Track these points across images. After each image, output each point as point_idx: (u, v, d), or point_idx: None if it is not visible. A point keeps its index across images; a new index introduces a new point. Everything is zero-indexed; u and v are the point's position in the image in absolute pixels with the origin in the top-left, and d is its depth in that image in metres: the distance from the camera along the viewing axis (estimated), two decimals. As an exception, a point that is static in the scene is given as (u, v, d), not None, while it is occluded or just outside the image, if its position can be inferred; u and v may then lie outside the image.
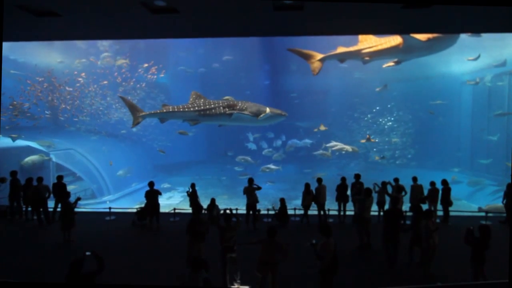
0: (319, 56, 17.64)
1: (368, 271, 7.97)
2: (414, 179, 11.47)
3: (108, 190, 23.93)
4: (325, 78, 33.45)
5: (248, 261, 6.71)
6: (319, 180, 11.55)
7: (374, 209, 10.94)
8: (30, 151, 20.31)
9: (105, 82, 28.47)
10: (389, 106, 32.14)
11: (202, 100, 16.92)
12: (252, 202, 11.07)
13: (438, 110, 28.64)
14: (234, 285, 6.93)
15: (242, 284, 6.94)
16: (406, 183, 11.36)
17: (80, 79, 26.86)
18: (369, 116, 32.72)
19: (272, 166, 25.06)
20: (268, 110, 16.20)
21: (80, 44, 27.83)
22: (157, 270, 7.94)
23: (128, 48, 30.15)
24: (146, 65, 29.69)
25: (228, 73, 32.99)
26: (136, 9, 7.36)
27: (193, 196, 11.46)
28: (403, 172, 20.49)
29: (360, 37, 17.08)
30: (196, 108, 16.62)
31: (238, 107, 16.20)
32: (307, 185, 11.48)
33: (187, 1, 7.21)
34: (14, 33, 9.38)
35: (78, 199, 10.04)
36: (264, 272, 6.27)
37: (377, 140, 27.33)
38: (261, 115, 16.12)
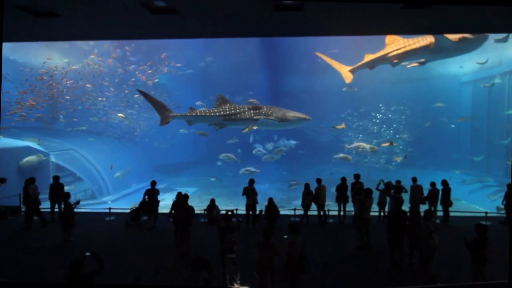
0: (348, 68, 17.70)
1: (368, 271, 7.96)
2: (414, 179, 11.46)
3: (108, 191, 23.93)
4: (325, 78, 33.54)
5: (248, 262, 6.71)
6: (319, 181, 11.55)
7: (374, 209, 10.97)
8: (30, 151, 20.27)
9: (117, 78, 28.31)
10: (380, 105, 32.02)
11: (227, 104, 16.99)
12: (251, 203, 11.06)
13: (437, 111, 28.67)
14: (233, 286, 6.92)
15: (241, 284, 6.94)
16: (406, 183, 11.36)
17: (88, 85, 26.65)
18: (356, 113, 32.59)
19: (252, 169, 24.87)
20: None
21: (81, 44, 27.78)
22: (157, 270, 7.94)
23: (128, 46, 30.06)
24: (163, 56, 29.34)
25: (227, 73, 33.03)
26: (136, 9, 7.35)
27: (179, 208, 9.28)
28: (402, 172, 20.50)
29: (387, 39, 16.95)
30: (222, 112, 16.69)
31: (264, 112, 16.23)
32: (306, 186, 11.47)
33: (187, 2, 7.20)
34: (14, 34, 9.38)
35: (78, 202, 10.18)
36: (262, 273, 6.27)
37: (396, 145, 26.44)
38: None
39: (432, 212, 8.37)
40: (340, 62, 31.39)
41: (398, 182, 11.08)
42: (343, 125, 25.49)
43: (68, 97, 26.14)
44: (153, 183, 11.36)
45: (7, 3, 6.70)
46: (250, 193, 11.01)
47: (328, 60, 18.23)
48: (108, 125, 30.18)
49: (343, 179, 11.67)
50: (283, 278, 6.21)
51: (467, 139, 28.77)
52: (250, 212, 11.14)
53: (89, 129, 28.56)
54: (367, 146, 24.16)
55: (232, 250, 6.93)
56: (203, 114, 17.01)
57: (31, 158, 19.67)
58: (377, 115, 31.88)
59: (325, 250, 9.12)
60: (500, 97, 24.62)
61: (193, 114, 17.07)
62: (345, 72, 17.89)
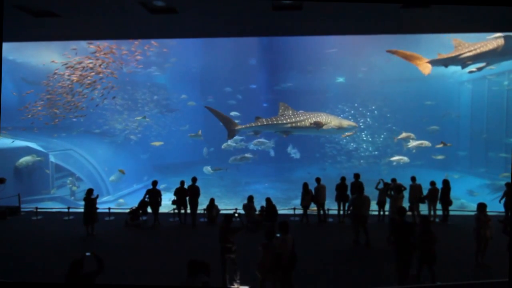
0: (426, 59, 17.55)
1: (368, 270, 7.96)
2: (413, 178, 11.46)
3: (108, 191, 23.87)
4: (325, 78, 33.53)
5: (248, 262, 6.72)
6: (318, 180, 11.55)
7: (374, 209, 10.97)
8: (28, 151, 20.23)
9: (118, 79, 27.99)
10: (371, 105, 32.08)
11: (290, 111, 17.37)
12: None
13: (437, 111, 28.65)
14: (233, 285, 6.92)
15: (241, 284, 6.94)
16: (405, 183, 11.36)
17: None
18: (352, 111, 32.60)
19: (209, 168, 24.67)
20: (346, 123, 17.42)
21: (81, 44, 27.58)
22: (157, 270, 7.94)
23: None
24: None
25: (225, 72, 33.11)
26: (135, 9, 7.37)
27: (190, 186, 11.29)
28: (403, 172, 20.49)
29: (454, 42, 16.86)
30: (288, 120, 17.08)
31: (324, 120, 16.98)
32: (305, 185, 11.48)
33: (186, 1, 7.21)
34: (13, 34, 9.38)
35: (97, 196, 10.76)
36: (264, 274, 6.27)
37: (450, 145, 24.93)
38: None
39: (483, 205, 7.96)
40: (338, 62, 31.08)
41: (394, 180, 11.09)
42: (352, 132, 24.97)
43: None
44: (154, 183, 11.37)
45: (7, 3, 6.69)
46: (249, 210, 10.97)
47: (402, 54, 17.85)
48: (108, 125, 30.11)
49: (343, 179, 11.68)
50: (273, 276, 6.20)
51: (466, 139, 28.78)
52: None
53: (88, 129, 28.46)
54: (428, 143, 21.99)
55: (232, 250, 6.94)
56: (269, 123, 17.26)
57: (27, 159, 19.63)
58: (383, 114, 31.82)
59: (324, 249, 9.14)
60: (499, 96, 24.65)
61: (259, 124, 17.34)
62: (422, 64, 17.45)
